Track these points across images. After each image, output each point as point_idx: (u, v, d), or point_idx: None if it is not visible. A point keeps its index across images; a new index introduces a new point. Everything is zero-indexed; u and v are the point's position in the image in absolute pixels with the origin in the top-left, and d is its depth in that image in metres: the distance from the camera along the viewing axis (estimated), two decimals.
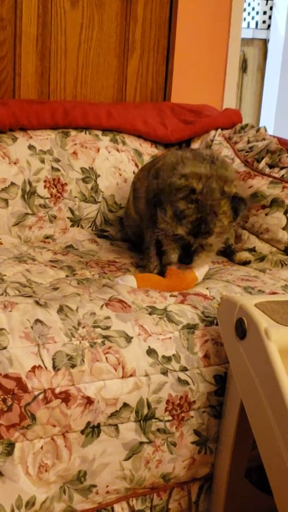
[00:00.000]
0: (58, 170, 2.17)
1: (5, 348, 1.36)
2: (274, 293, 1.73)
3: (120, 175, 2.27)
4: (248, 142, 2.28)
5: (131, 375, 1.45)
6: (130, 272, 1.85)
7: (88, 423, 1.40)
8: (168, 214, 1.72)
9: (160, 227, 1.77)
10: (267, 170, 2.11)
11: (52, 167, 2.17)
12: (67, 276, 1.76)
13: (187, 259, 1.71)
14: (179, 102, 2.60)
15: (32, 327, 1.41)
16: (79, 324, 1.46)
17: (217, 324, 1.56)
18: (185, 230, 1.69)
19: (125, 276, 1.72)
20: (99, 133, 2.31)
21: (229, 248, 2.02)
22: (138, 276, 1.73)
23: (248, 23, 4.74)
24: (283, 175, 2.07)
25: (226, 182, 1.72)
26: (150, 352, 1.49)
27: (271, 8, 4.63)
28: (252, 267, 1.98)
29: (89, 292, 1.61)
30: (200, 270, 1.81)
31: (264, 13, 4.63)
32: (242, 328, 1.40)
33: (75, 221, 2.19)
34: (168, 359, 1.50)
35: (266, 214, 2.02)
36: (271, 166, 2.12)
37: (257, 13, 4.65)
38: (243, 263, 2.00)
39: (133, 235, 2.10)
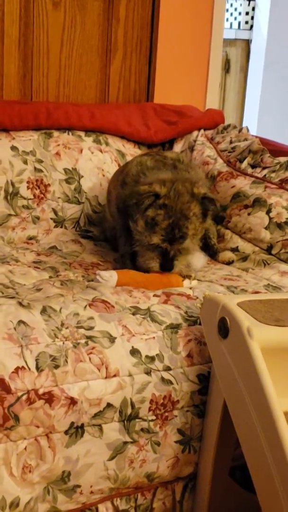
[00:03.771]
0: (41, 171, 2.17)
1: None
2: (256, 292, 1.74)
3: (103, 175, 2.28)
4: (231, 142, 2.29)
5: (114, 375, 1.45)
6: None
7: (72, 423, 1.40)
8: (140, 224, 1.74)
9: (136, 238, 1.78)
10: (250, 170, 2.12)
11: (35, 168, 2.16)
12: (50, 277, 1.76)
13: (167, 265, 1.73)
14: (162, 103, 2.61)
15: (15, 328, 1.41)
16: (62, 324, 1.46)
17: (200, 324, 1.57)
18: (159, 237, 1.71)
19: (106, 271, 1.72)
20: (82, 134, 2.32)
21: (212, 248, 2.02)
22: (119, 271, 1.73)
23: (231, 24, 4.75)
24: (265, 175, 2.08)
25: (193, 184, 1.74)
26: (134, 352, 1.49)
27: (253, 9, 4.64)
28: (235, 267, 1.99)
29: (73, 293, 1.61)
30: (196, 263, 1.82)
31: (247, 13, 4.65)
32: (224, 327, 1.41)
33: (59, 222, 2.19)
34: (151, 359, 1.50)
35: (249, 214, 2.02)
36: (253, 166, 2.13)
37: (240, 13, 4.66)
38: (226, 263, 2.01)
39: (111, 237, 2.11)
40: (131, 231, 1.80)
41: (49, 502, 1.42)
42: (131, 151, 2.38)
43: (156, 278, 1.73)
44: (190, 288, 1.74)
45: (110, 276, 1.69)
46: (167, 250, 1.72)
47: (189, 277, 1.77)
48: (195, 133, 2.43)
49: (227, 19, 4.70)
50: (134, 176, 1.85)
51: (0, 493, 1.35)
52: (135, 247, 1.81)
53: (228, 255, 2.02)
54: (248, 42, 4.63)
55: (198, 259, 1.85)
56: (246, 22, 4.67)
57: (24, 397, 1.35)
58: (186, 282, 1.76)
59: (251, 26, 4.65)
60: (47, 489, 1.41)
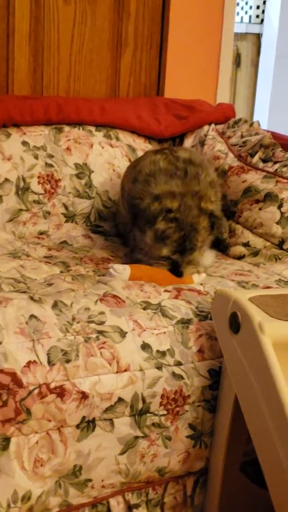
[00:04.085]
0: (51, 166, 2.17)
1: (0, 343, 1.36)
2: (268, 287, 1.74)
3: (114, 170, 2.27)
4: (242, 136, 2.28)
5: (125, 370, 1.45)
6: None
7: (83, 417, 1.41)
8: (149, 236, 1.76)
9: (140, 247, 1.80)
10: (261, 165, 2.11)
11: (46, 163, 2.17)
12: (61, 272, 1.77)
13: (177, 274, 1.75)
14: (172, 97, 2.60)
15: (27, 323, 1.42)
16: (73, 319, 1.46)
17: (211, 319, 1.57)
18: (170, 249, 1.74)
19: (119, 264, 1.72)
20: (93, 128, 2.31)
21: (223, 243, 2.02)
22: (132, 266, 1.73)
23: (242, 18, 4.73)
24: (276, 170, 2.07)
25: (201, 198, 1.77)
26: (145, 347, 1.49)
27: (264, 2, 4.62)
28: (246, 262, 1.99)
29: (84, 287, 1.61)
30: (205, 261, 1.82)
31: (258, 7, 4.63)
32: (236, 322, 1.41)
33: (69, 217, 2.19)
34: (162, 353, 1.50)
35: (260, 209, 2.02)
36: (264, 161, 2.12)
37: (250, 7, 4.65)
38: (237, 258, 2.01)
39: (125, 232, 2.11)
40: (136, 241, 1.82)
41: (61, 496, 1.42)
42: (142, 146, 2.38)
43: (169, 274, 1.73)
44: (201, 284, 1.73)
45: (123, 270, 1.68)
46: (177, 262, 1.75)
47: (197, 272, 1.78)
48: (206, 127, 2.42)
49: (237, 13, 4.69)
50: (145, 175, 1.86)
51: (11, 487, 1.36)
52: (137, 255, 1.83)
53: (239, 249, 2.02)
54: (259, 36, 4.62)
55: (207, 257, 1.85)
56: (257, 16, 4.65)
57: (36, 391, 1.35)
58: (196, 277, 1.76)
59: (262, 20, 4.64)
60: (58, 483, 1.42)
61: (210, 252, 1.91)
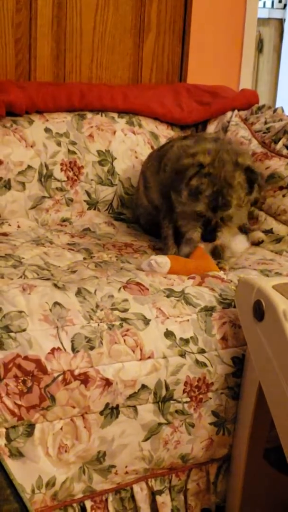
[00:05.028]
0: (74, 153, 2.17)
1: (24, 330, 1.37)
2: None
3: (136, 157, 2.27)
4: (265, 123, 2.27)
5: (149, 357, 1.46)
6: (147, 254, 1.85)
7: (107, 404, 1.41)
8: (184, 195, 1.72)
9: (178, 211, 1.77)
10: (285, 151, 2.10)
11: (69, 150, 2.16)
12: (84, 259, 1.77)
13: (209, 235, 1.71)
14: (195, 83, 2.58)
15: (51, 310, 1.42)
16: (97, 306, 1.46)
17: (234, 307, 1.57)
18: (203, 205, 1.69)
19: (159, 257, 1.69)
20: (115, 115, 2.31)
21: (243, 228, 2.01)
22: (170, 257, 1.71)
23: (264, 3, 4.68)
24: None
25: (238, 154, 1.73)
26: (168, 334, 1.49)
27: None
28: (269, 249, 1.98)
29: (107, 275, 1.61)
30: (237, 246, 1.81)
31: None
32: (260, 310, 1.40)
33: (92, 204, 2.19)
34: (186, 341, 1.50)
35: (284, 196, 2.01)
36: None
37: None
38: (256, 243, 2.00)
39: (146, 223, 2.10)
40: (175, 213, 1.79)
41: (85, 482, 1.43)
42: (164, 133, 2.37)
43: (206, 267, 1.72)
44: (224, 273, 1.72)
45: (165, 264, 1.66)
46: (210, 219, 1.71)
47: (223, 269, 1.76)
48: (229, 113, 2.41)
49: None
50: (176, 158, 1.83)
51: (36, 473, 1.37)
52: (178, 220, 1.80)
53: (258, 235, 2.01)
54: (281, 21, 4.57)
55: (240, 242, 1.84)
56: (280, 1, 4.60)
57: (60, 378, 1.36)
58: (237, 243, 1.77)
59: (285, 5, 4.58)
60: (82, 469, 1.43)
61: (244, 238, 1.90)
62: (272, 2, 4.61)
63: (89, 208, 2.19)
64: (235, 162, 1.72)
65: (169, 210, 1.86)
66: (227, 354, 1.55)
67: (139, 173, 2.15)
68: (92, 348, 1.40)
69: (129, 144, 2.28)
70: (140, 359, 1.45)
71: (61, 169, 2.14)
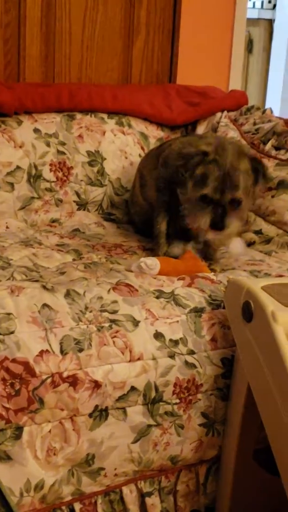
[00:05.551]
0: (63, 153, 2.17)
1: (12, 332, 1.36)
2: (280, 275, 1.73)
3: (126, 158, 2.27)
4: (254, 124, 2.27)
5: (138, 359, 1.45)
6: (137, 255, 1.84)
7: (96, 406, 1.41)
8: (189, 185, 1.67)
9: (184, 202, 1.72)
10: (274, 152, 2.10)
11: (58, 151, 2.16)
12: (73, 260, 1.76)
13: (220, 222, 1.64)
14: (184, 84, 2.58)
15: (39, 312, 1.42)
16: (86, 308, 1.46)
17: (224, 308, 1.56)
18: (211, 189, 1.63)
19: (148, 258, 1.69)
20: (105, 116, 2.30)
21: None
22: (160, 259, 1.71)
23: (254, 3, 4.69)
24: None
25: (241, 146, 1.74)
26: (157, 335, 1.49)
27: None
28: (258, 250, 1.98)
29: (96, 276, 1.61)
30: (234, 247, 1.81)
31: None
32: (248, 311, 1.40)
33: (82, 205, 2.19)
34: (175, 342, 1.50)
35: (273, 196, 2.01)
36: (277, 148, 2.11)
37: None
38: (248, 244, 2.00)
39: (141, 222, 2.09)
40: (169, 209, 1.77)
41: (74, 485, 1.43)
42: (154, 133, 2.37)
43: (197, 269, 1.71)
44: (214, 275, 1.72)
45: (155, 265, 1.65)
46: (218, 204, 1.64)
47: (214, 271, 1.76)
48: (218, 114, 2.41)
49: None
50: (177, 151, 1.81)
51: (24, 476, 1.36)
52: (183, 211, 1.73)
53: (249, 236, 2.01)
54: (271, 22, 4.58)
55: (237, 242, 1.83)
56: (269, 1, 4.61)
57: (49, 380, 1.36)
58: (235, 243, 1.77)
59: (274, 6, 4.60)
60: (71, 472, 1.42)
61: (241, 241, 1.90)
62: (262, 3, 4.62)
63: (78, 209, 2.18)
64: (239, 151, 1.69)
65: (163, 206, 1.85)
66: (217, 355, 1.54)
67: (135, 171, 2.14)
68: (81, 350, 1.40)
69: (119, 144, 2.27)
70: (130, 361, 1.44)
71: (50, 170, 2.14)
